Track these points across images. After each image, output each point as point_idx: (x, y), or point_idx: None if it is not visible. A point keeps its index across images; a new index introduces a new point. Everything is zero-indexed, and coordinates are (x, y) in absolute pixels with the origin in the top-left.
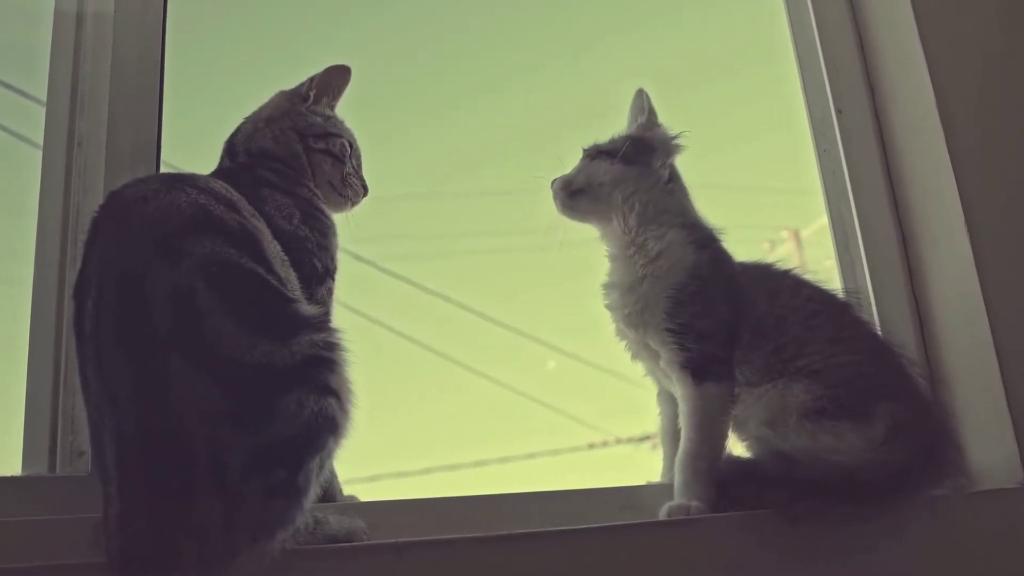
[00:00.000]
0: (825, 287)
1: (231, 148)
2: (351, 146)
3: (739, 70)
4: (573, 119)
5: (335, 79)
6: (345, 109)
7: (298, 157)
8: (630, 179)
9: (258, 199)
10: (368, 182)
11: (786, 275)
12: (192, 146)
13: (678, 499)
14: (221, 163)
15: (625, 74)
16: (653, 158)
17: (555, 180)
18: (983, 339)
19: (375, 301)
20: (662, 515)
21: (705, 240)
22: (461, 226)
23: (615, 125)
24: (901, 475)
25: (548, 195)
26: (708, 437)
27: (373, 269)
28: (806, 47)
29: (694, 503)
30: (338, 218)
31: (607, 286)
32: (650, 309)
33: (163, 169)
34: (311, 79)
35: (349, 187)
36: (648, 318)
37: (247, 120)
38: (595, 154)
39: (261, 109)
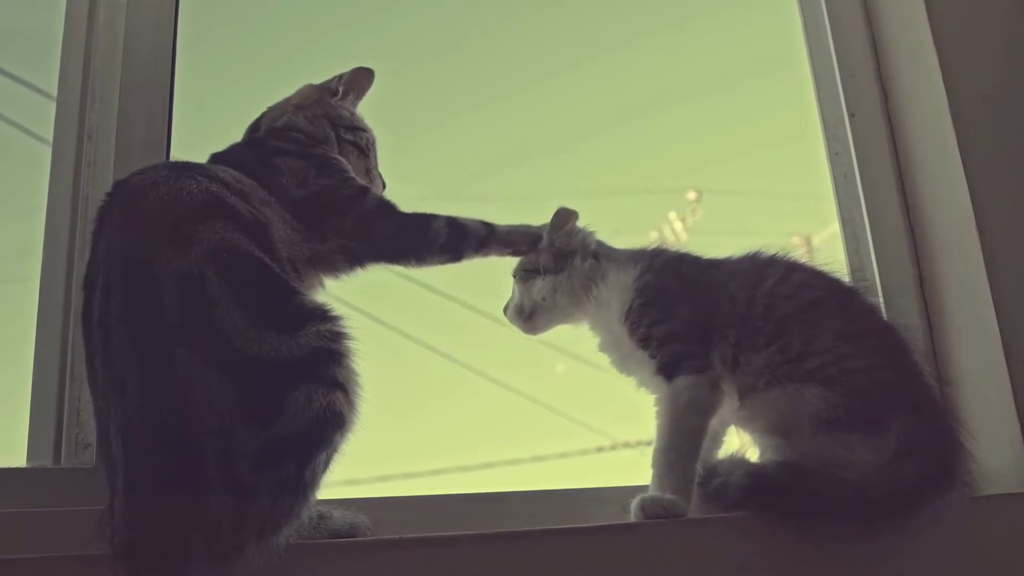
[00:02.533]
0: (824, 271)
1: (253, 127)
2: (373, 143)
3: (754, 76)
4: (590, 124)
5: (361, 80)
6: (366, 109)
7: (329, 139)
8: (563, 282)
9: (272, 171)
10: (387, 184)
11: (773, 261)
12: (202, 140)
13: (651, 492)
14: (236, 144)
15: (640, 79)
16: (574, 259)
17: (506, 311)
18: (993, 343)
19: (388, 304)
20: (633, 506)
21: (643, 257)
22: None
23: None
24: (912, 494)
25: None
26: (682, 430)
27: (386, 271)
28: (820, 51)
29: (668, 496)
30: None
31: (599, 351)
32: (622, 343)
33: None
34: (340, 76)
35: (372, 181)
36: (626, 350)
37: (274, 107)
38: (526, 275)
39: (289, 98)
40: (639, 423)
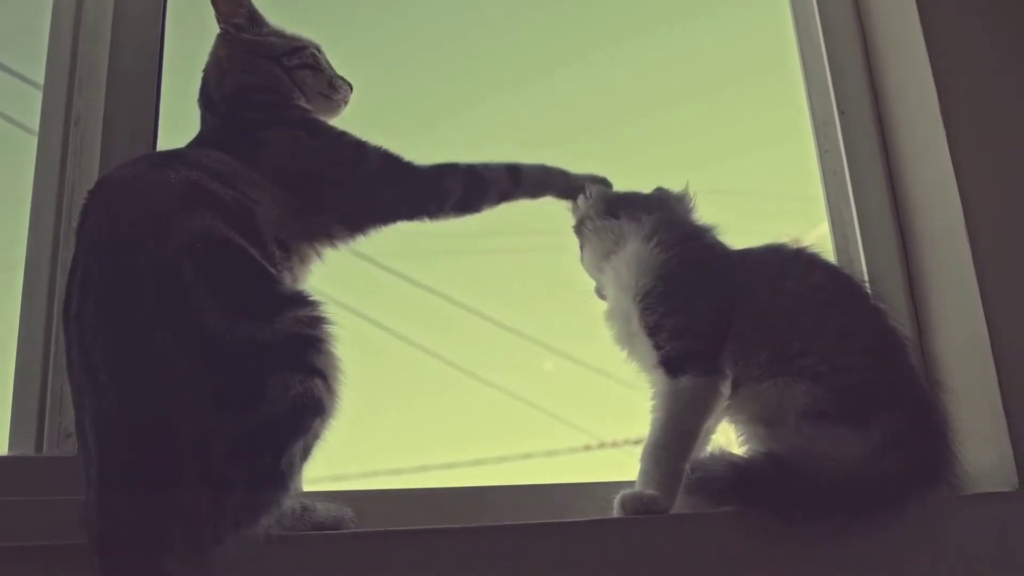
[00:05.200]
0: (843, 271)
1: (207, 101)
2: (319, 50)
3: (746, 77)
4: (582, 124)
5: None
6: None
7: (280, 80)
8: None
9: (262, 146)
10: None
11: (798, 257)
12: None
13: (636, 488)
14: (204, 122)
15: (633, 80)
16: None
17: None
18: (980, 343)
19: (374, 300)
20: (616, 502)
21: (675, 240)
22: (467, 225)
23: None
24: (896, 489)
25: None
26: (677, 430)
27: (375, 267)
28: (811, 48)
29: (648, 491)
30: None
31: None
32: (631, 321)
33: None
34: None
35: (337, 90)
36: (632, 329)
37: (207, 69)
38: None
39: (215, 53)
40: (628, 421)
